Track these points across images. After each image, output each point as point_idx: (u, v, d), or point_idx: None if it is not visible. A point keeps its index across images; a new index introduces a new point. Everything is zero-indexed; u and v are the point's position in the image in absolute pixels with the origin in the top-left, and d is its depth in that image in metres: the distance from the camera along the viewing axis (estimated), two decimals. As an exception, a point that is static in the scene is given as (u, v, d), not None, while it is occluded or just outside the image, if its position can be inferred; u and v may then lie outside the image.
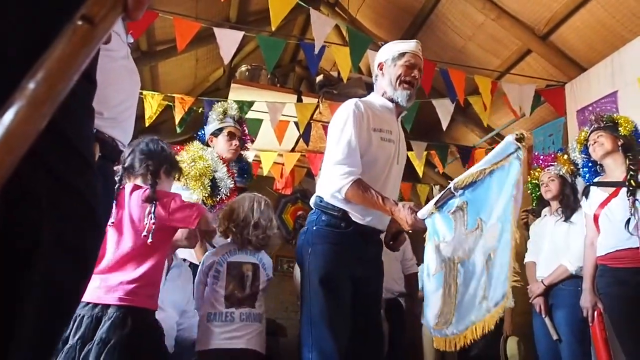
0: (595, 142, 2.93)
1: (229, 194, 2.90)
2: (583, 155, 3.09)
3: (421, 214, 2.03)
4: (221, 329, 2.29)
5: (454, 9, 4.59)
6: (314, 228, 2.19)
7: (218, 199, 2.85)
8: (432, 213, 2.01)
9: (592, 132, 2.99)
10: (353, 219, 2.16)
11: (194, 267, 2.72)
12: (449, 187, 1.99)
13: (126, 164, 2.13)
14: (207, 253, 2.51)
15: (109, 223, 1.99)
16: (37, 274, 0.61)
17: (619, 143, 2.88)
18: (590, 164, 3.08)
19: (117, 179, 2.09)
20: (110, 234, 2.00)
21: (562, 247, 3.24)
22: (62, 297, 0.70)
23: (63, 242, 0.66)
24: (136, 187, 2.09)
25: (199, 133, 3.34)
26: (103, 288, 1.89)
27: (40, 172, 0.61)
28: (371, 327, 2.23)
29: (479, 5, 4.19)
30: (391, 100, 2.31)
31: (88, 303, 1.87)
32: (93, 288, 1.88)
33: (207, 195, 2.77)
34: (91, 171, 0.70)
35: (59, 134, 0.62)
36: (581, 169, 3.17)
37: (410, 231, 2.10)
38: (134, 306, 1.90)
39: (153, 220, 1.97)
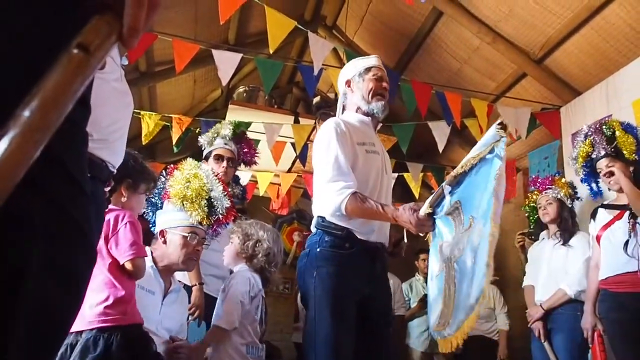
0: (609, 176, 2.86)
1: (225, 213, 2.88)
2: (585, 169, 3.04)
3: (422, 212, 1.99)
4: None
5: (450, 33, 4.65)
6: (318, 250, 2.12)
7: (214, 219, 2.83)
8: (429, 213, 1.99)
9: (602, 157, 2.90)
10: (358, 236, 2.12)
11: (187, 289, 2.70)
12: (441, 185, 1.99)
13: None
14: (245, 277, 2.42)
15: None
16: (26, 298, 0.60)
17: (631, 170, 2.86)
18: (590, 179, 3.06)
19: None
20: None
21: (561, 271, 3.23)
22: (52, 322, 0.69)
23: (54, 266, 0.65)
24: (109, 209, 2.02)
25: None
26: (93, 313, 1.86)
27: (34, 196, 0.60)
28: (381, 345, 2.17)
29: (475, 30, 4.25)
30: (366, 114, 2.34)
31: (86, 330, 1.84)
32: (91, 313, 1.85)
33: (204, 216, 2.75)
34: (85, 196, 0.70)
35: (54, 158, 0.62)
36: (583, 182, 3.13)
37: (417, 233, 2.04)
38: (105, 326, 1.86)
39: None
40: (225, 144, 3.16)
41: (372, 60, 2.42)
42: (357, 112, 2.36)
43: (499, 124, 1.85)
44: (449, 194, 1.95)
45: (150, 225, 2.65)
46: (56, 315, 0.69)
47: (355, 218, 2.09)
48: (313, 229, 2.24)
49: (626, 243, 2.70)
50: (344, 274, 2.07)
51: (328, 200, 2.09)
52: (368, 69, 2.36)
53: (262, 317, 2.43)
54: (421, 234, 2.07)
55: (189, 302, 2.69)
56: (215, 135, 3.16)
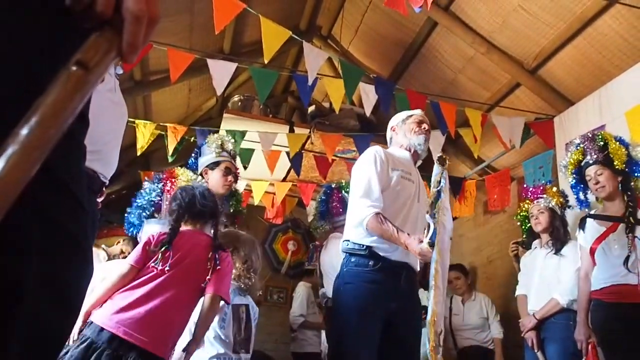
0: (597, 183, 2.84)
1: None
2: (574, 176, 3.02)
3: (424, 243, 2.15)
4: None
5: (444, 43, 4.68)
6: (345, 270, 2.37)
7: None
8: (429, 243, 2.15)
9: (592, 165, 2.88)
10: (380, 254, 2.29)
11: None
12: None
13: (182, 209, 2.20)
14: None
15: (167, 267, 1.99)
16: (23, 312, 0.60)
17: (619, 180, 2.86)
18: (578, 187, 3.05)
19: (172, 221, 2.17)
20: (163, 275, 1.98)
21: (553, 280, 3.23)
22: (47, 336, 0.68)
23: (51, 280, 0.65)
24: (202, 234, 2.17)
25: (189, 162, 3.32)
26: (135, 323, 1.86)
27: (32, 212, 0.60)
28: (408, 358, 2.33)
29: (469, 40, 4.28)
30: (408, 149, 2.60)
31: (118, 338, 1.82)
32: (132, 321, 1.85)
33: None
34: (83, 212, 0.70)
35: (52, 173, 0.62)
36: (572, 189, 3.10)
37: (422, 261, 2.24)
38: (154, 354, 1.86)
39: (213, 267, 2.03)
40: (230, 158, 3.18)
41: (415, 111, 2.77)
42: (400, 148, 2.66)
43: (438, 158, 2.14)
44: (432, 222, 2.15)
45: (131, 228, 2.71)
46: (51, 329, 0.69)
47: (374, 235, 2.29)
48: (342, 253, 2.45)
49: (627, 258, 2.65)
50: (369, 290, 2.26)
51: (355, 214, 2.33)
52: (410, 116, 2.70)
53: (240, 326, 2.43)
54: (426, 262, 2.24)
55: None
56: (221, 146, 3.15)
